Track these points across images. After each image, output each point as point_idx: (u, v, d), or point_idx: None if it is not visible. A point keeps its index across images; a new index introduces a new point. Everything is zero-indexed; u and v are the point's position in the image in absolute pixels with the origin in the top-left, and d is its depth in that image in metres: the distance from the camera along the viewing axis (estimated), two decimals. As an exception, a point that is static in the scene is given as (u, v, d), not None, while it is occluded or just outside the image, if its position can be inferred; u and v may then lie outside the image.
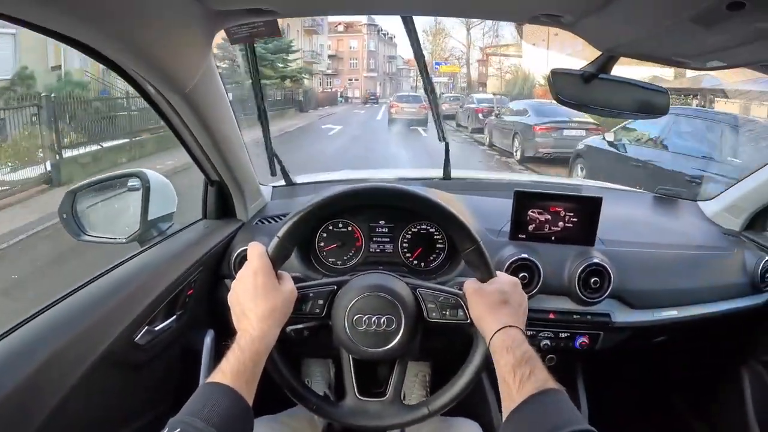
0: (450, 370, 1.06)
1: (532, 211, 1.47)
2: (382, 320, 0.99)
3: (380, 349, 1.00)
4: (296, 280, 1.02)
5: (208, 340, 1.32)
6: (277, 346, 0.95)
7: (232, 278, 1.36)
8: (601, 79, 1.03)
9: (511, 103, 14.92)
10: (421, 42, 1.55)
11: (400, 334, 1.00)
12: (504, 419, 0.81)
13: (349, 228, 1.48)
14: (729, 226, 1.75)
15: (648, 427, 2.03)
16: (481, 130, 16.97)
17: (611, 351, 1.53)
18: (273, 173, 1.78)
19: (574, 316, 1.46)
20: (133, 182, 1.42)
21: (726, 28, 0.67)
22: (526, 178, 3.86)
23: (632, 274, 1.48)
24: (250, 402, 0.82)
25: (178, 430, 0.71)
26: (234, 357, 0.84)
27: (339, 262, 1.48)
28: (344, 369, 1.08)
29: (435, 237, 1.48)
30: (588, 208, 1.45)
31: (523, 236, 1.48)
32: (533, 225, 1.48)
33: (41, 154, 8.88)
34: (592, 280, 1.42)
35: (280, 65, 27.13)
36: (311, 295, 1.03)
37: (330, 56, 50.10)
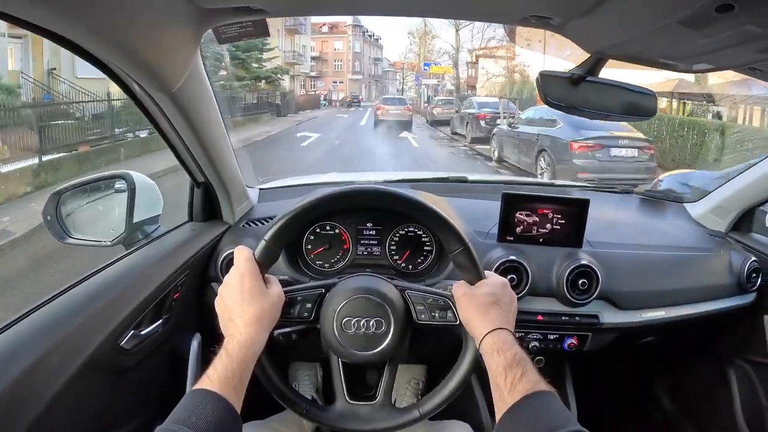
0: (445, 374, 1.06)
1: (520, 213, 1.47)
2: (371, 323, 0.98)
3: (370, 352, 0.99)
4: (284, 283, 1.01)
5: (194, 344, 1.30)
6: (265, 351, 0.93)
7: (219, 281, 1.35)
8: (590, 81, 1.04)
9: (531, 110, 11.39)
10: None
11: (390, 336, 0.99)
12: (496, 421, 0.81)
13: (337, 230, 1.48)
14: (715, 228, 1.77)
15: (636, 427, 2.04)
16: (484, 140, 14.40)
17: (599, 352, 1.54)
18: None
19: (563, 318, 1.47)
20: (119, 184, 1.40)
21: (715, 31, 0.67)
22: (514, 179, 3.87)
23: (620, 276, 1.49)
24: (239, 409, 0.81)
25: None
26: (221, 363, 0.83)
27: (327, 265, 1.48)
28: (333, 373, 1.07)
29: (423, 239, 1.48)
30: (575, 210, 1.46)
31: (511, 238, 1.48)
32: (521, 227, 1.48)
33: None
34: (580, 281, 1.43)
35: (254, 65, 25.24)
36: (299, 298, 1.02)
37: (314, 58, 49.16)
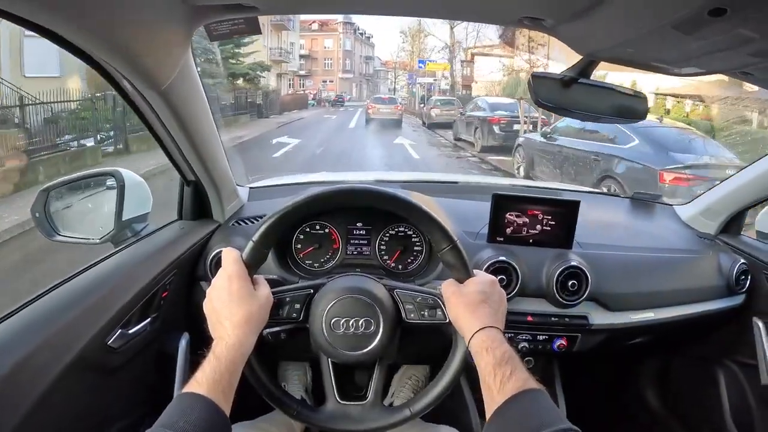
0: None
1: (510, 214, 1.47)
2: (360, 323, 0.98)
3: (359, 352, 0.99)
4: (273, 283, 1.00)
5: (183, 343, 1.29)
6: (254, 352, 0.93)
7: (208, 280, 1.34)
8: (581, 83, 1.05)
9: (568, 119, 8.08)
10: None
11: (379, 336, 0.98)
12: (486, 420, 0.81)
13: (327, 230, 1.47)
14: (704, 230, 1.78)
15: (625, 428, 2.05)
16: (498, 150, 12.26)
17: (589, 353, 1.54)
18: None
19: (552, 319, 1.47)
20: (108, 181, 1.39)
21: (707, 34, 0.68)
22: (506, 181, 3.88)
23: (609, 277, 1.50)
24: (228, 412, 0.80)
25: None
26: (210, 366, 0.82)
27: (316, 265, 1.47)
28: (323, 373, 1.07)
29: (413, 239, 1.48)
30: (566, 212, 1.46)
31: (501, 239, 1.49)
32: (511, 228, 1.48)
33: None
34: (570, 282, 1.43)
35: (231, 61, 22.98)
36: (288, 299, 1.02)
37: (303, 56, 48.23)
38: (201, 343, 0.90)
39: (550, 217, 1.47)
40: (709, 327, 1.72)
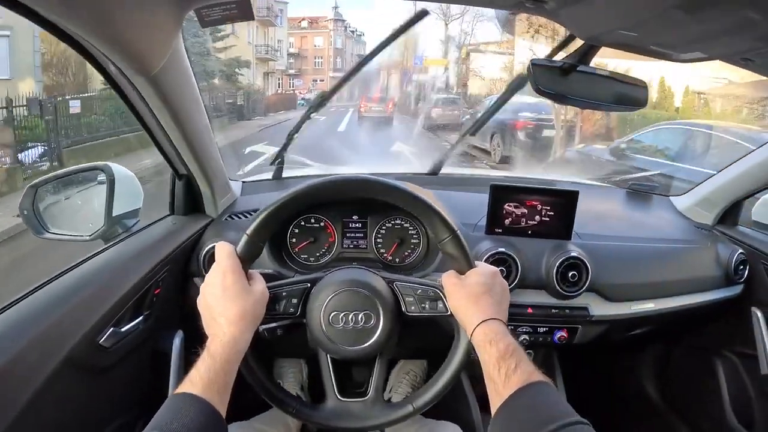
0: None
1: (508, 205, 1.46)
2: (360, 316, 0.96)
3: (359, 347, 0.97)
4: (268, 277, 0.98)
5: (177, 341, 1.26)
6: (250, 349, 0.91)
7: (202, 276, 1.32)
8: (581, 71, 1.04)
9: (664, 130, 7.46)
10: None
11: (379, 330, 0.97)
12: (492, 415, 0.79)
13: (322, 223, 1.45)
14: (701, 221, 1.78)
15: (625, 419, 2.05)
16: (526, 162, 9.79)
17: (589, 344, 1.53)
18: None
19: (553, 310, 1.46)
20: (98, 176, 1.36)
21: (714, 15, 0.66)
22: (500, 173, 3.87)
23: (609, 268, 1.49)
24: (223, 412, 0.78)
25: None
26: (204, 365, 0.80)
27: (312, 259, 1.45)
28: (322, 369, 1.05)
29: (410, 231, 1.46)
30: (564, 202, 1.45)
31: (500, 230, 1.47)
32: (509, 219, 1.47)
33: None
34: (570, 273, 1.42)
35: (204, 57, 19.58)
36: (284, 294, 0.99)
37: (292, 54, 46.90)
38: (195, 340, 0.88)
39: (548, 208, 1.46)
40: (708, 317, 1.72)
